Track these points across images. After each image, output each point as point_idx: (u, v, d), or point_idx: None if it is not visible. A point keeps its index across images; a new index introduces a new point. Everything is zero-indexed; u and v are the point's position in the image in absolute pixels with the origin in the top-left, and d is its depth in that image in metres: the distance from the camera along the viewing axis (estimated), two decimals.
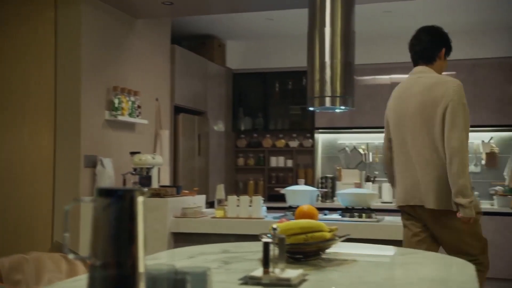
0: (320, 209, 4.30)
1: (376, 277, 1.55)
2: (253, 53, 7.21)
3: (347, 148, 7.00)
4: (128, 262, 0.96)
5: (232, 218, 4.07)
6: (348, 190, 4.15)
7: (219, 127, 6.71)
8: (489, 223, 5.98)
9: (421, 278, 1.53)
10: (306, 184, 6.72)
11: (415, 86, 2.98)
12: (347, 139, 7.03)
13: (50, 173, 4.35)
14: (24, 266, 1.95)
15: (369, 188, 6.34)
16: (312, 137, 6.99)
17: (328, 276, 1.58)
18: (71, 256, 1.02)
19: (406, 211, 3.10)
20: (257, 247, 2.09)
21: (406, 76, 6.08)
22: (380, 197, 6.51)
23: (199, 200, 4.54)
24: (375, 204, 5.02)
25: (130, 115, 4.80)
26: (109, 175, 4.48)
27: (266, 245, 1.42)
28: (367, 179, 6.69)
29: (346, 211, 4.04)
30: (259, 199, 4.10)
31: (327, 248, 1.81)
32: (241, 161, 7.20)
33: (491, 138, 6.57)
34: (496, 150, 6.58)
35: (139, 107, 4.93)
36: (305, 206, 1.97)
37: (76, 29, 4.38)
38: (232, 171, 7.17)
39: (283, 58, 7.05)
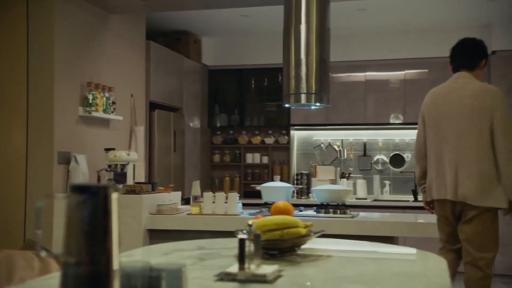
0: (296, 205, 4.31)
1: (350, 272, 1.57)
2: (229, 49, 7.20)
3: (322, 145, 7.04)
4: (102, 260, 0.95)
5: (208, 214, 4.06)
6: (323, 186, 4.18)
7: (195, 123, 6.69)
8: None
9: (394, 272, 1.55)
10: (281, 180, 6.75)
11: (461, 90, 3.27)
12: (322, 136, 7.08)
13: (23, 170, 4.29)
14: None
15: (343, 185, 6.40)
16: (288, 134, 7.01)
17: (303, 272, 1.59)
18: (43, 254, 1.01)
19: (441, 204, 3.34)
20: (233, 243, 2.10)
21: (380, 73, 6.21)
22: (354, 193, 6.57)
23: (175, 196, 4.52)
24: (350, 200, 5.08)
25: (104, 111, 4.75)
26: (83, 172, 4.43)
27: (241, 242, 1.43)
28: (342, 176, 6.74)
29: (321, 207, 4.06)
30: (234, 196, 4.10)
31: (302, 244, 1.82)
32: (216, 157, 7.19)
33: None
34: None
35: (113, 103, 4.88)
36: (281, 203, 1.98)
37: (49, 23, 4.32)
38: (207, 167, 7.15)
39: (258, 55, 7.05)
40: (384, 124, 6.70)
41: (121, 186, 4.27)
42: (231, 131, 7.20)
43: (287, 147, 7.02)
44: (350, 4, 5.60)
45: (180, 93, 6.35)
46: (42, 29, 4.32)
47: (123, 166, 4.37)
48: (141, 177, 5.10)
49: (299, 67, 4.25)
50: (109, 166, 4.43)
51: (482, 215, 3.15)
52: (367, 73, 6.75)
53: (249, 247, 1.48)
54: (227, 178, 7.04)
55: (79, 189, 0.96)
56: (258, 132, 7.13)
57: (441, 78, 6.49)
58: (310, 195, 6.58)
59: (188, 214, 4.12)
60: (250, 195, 6.53)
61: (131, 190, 4.15)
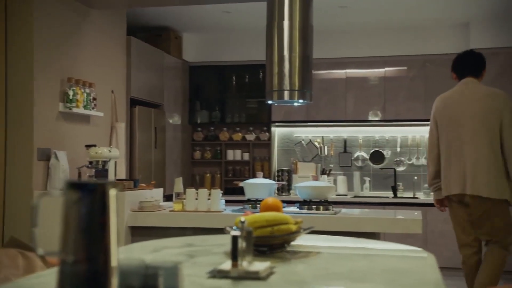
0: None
1: (341, 269, 1.57)
2: (210, 46, 7.17)
3: (303, 142, 7.06)
4: (100, 257, 0.94)
5: (191, 211, 4.04)
6: (306, 183, 4.18)
7: (174, 120, 6.65)
8: (439, 214, 6.13)
9: (386, 269, 1.56)
10: (263, 177, 6.76)
11: (472, 93, 3.65)
12: (303, 133, 7.10)
13: (1, 167, 4.22)
14: None
15: (324, 181, 6.42)
16: (269, 131, 7.02)
17: (294, 269, 1.59)
18: (40, 252, 0.99)
19: (456, 199, 3.71)
20: (221, 240, 2.09)
21: (361, 70, 6.25)
22: (335, 189, 6.60)
23: (157, 193, 4.50)
24: (330, 196, 5.10)
25: (85, 107, 4.70)
26: (63, 169, 4.38)
27: (234, 238, 1.42)
28: (323, 172, 6.77)
29: (303, 203, 4.07)
30: (217, 192, 4.09)
31: (292, 241, 1.82)
32: (197, 154, 7.16)
33: None
34: None
35: (94, 99, 4.83)
36: (270, 199, 1.97)
37: (28, 18, 4.25)
38: (188, 164, 7.13)
39: (240, 52, 7.04)
40: (364, 121, 6.75)
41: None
42: (212, 128, 7.18)
43: (268, 144, 7.03)
44: (331, 1, 5.62)
45: (161, 89, 6.30)
46: (21, 24, 4.25)
47: (105, 162, 4.33)
48: (122, 174, 5.06)
49: (282, 64, 4.25)
50: (90, 162, 4.38)
51: (497, 206, 3.59)
52: (348, 70, 6.79)
53: (241, 244, 1.47)
54: (208, 174, 7.03)
55: (76, 186, 0.95)
56: (239, 128, 7.12)
57: (421, 75, 6.59)
58: (291, 191, 6.61)
59: (170, 211, 4.09)
60: (231, 191, 6.53)
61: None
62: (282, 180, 6.66)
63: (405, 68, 6.67)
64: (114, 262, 0.95)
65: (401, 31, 6.72)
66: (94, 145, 4.44)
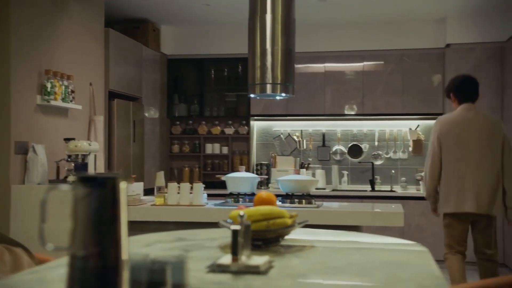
0: None
1: (338, 263, 1.57)
2: (189, 38, 7.11)
3: (281, 135, 7.07)
4: (111, 252, 0.92)
5: (173, 205, 4.01)
6: (289, 176, 4.19)
7: (151, 113, 6.57)
8: (416, 207, 6.24)
9: (383, 262, 1.57)
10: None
11: (477, 120, 3.96)
12: (281, 127, 7.11)
13: None
14: None
15: (303, 175, 6.44)
16: (248, 124, 7.00)
17: (291, 263, 1.58)
18: (49, 247, 0.96)
19: (458, 216, 3.98)
20: (212, 234, 2.07)
21: (339, 64, 6.33)
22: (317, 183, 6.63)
23: (137, 187, 4.44)
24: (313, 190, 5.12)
25: (63, 100, 4.61)
26: (41, 163, 4.30)
27: (235, 233, 1.41)
28: (301, 166, 6.79)
29: (286, 197, 4.07)
30: (200, 186, 4.06)
31: (286, 235, 1.82)
32: (176, 148, 7.11)
33: (418, 126, 6.83)
34: (422, 137, 6.84)
35: (72, 91, 4.74)
36: (264, 193, 1.96)
37: (5, 8, 4.15)
38: (166, 158, 7.07)
39: (219, 45, 7.00)
40: (342, 115, 6.78)
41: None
42: (190, 121, 7.13)
43: (247, 138, 7.01)
44: None
45: (139, 82, 6.23)
46: None
47: (84, 156, 4.27)
48: (100, 168, 4.98)
49: (264, 57, 4.25)
50: (69, 156, 4.31)
51: (492, 222, 3.98)
52: (326, 64, 6.81)
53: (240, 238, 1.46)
54: (186, 168, 6.98)
55: (86, 180, 0.92)
56: (218, 122, 7.09)
57: (398, 70, 6.65)
58: (270, 185, 6.61)
59: (152, 205, 4.05)
60: (210, 185, 6.47)
61: None
62: (261, 174, 6.66)
63: (383, 62, 6.72)
64: (125, 256, 0.93)
65: (379, 25, 6.75)
66: (73, 139, 4.37)
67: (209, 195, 4.40)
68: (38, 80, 4.43)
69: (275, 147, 7.07)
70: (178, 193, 4.03)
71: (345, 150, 6.99)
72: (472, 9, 6.25)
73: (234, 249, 1.41)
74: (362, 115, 6.76)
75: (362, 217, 3.79)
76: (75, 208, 0.92)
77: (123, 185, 0.94)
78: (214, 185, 5.85)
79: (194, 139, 7.12)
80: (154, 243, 1.86)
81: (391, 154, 6.88)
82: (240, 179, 4.12)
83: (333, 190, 6.67)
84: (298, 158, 6.85)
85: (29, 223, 4.02)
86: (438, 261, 4.16)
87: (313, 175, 6.69)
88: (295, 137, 7.04)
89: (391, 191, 6.64)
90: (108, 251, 0.91)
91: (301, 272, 1.48)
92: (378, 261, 1.58)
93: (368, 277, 1.39)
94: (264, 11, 4.24)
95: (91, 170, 4.29)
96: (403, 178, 6.77)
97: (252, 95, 4.36)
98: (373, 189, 6.68)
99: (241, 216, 1.47)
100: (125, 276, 0.93)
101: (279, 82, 4.23)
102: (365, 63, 6.74)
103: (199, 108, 7.08)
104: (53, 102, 4.46)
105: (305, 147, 7.01)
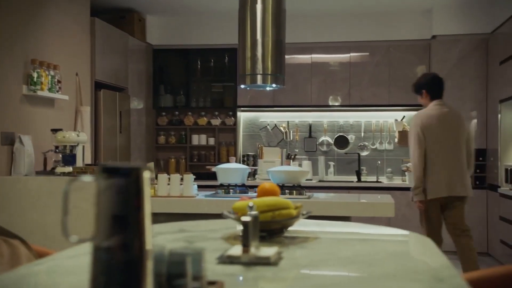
0: (251, 187, 4.32)
1: (346, 253, 1.57)
2: (175, 29, 7.04)
3: (268, 126, 7.06)
4: (136, 243, 0.90)
5: (163, 196, 3.98)
6: (280, 167, 4.18)
7: (135, 104, 6.49)
8: (401, 198, 6.28)
9: (390, 253, 1.57)
10: (228, 162, 6.72)
11: (450, 114, 4.34)
12: (268, 118, 7.09)
13: None
14: None
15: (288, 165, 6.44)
16: (234, 115, 6.97)
17: (299, 254, 1.57)
18: (73, 239, 0.94)
19: (438, 201, 4.28)
20: (212, 225, 2.06)
21: (326, 56, 6.40)
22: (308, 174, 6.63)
23: None
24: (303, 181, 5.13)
25: (50, 90, 4.54)
26: (28, 153, 4.23)
27: (245, 224, 1.39)
28: (288, 157, 6.79)
29: None
30: (190, 177, 4.03)
31: (290, 226, 1.81)
32: (162, 139, 7.06)
33: (404, 117, 6.87)
34: (408, 128, 6.87)
35: (59, 82, 4.67)
36: (267, 184, 1.95)
37: None
38: (152, 149, 7.02)
39: (205, 35, 6.95)
40: (329, 106, 6.79)
41: (71, 168, 4.12)
42: (176, 112, 7.08)
43: (233, 129, 6.99)
44: None
45: (125, 73, 6.16)
46: None
47: (72, 147, 4.21)
48: (87, 159, 4.92)
49: (255, 48, 4.22)
50: (56, 147, 4.25)
51: (465, 201, 4.35)
52: (313, 55, 6.80)
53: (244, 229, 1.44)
54: (172, 159, 6.94)
55: (109, 170, 0.90)
56: (204, 113, 7.05)
57: (385, 61, 6.67)
58: (256, 176, 6.60)
59: None
60: (197, 177, 6.44)
61: (83, 172, 4.01)
62: (248, 165, 6.64)
63: (370, 53, 6.74)
64: (149, 247, 0.91)
65: (366, 17, 6.76)
66: (60, 130, 4.31)
67: (198, 187, 4.38)
68: (24, 70, 4.35)
69: (262, 138, 7.06)
70: (168, 184, 4.00)
71: (332, 141, 7.01)
72: (458, 1, 6.28)
73: (245, 241, 1.40)
74: (348, 106, 6.77)
75: (353, 207, 3.80)
76: (98, 199, 0.90)
77: (146, 174, 0.92)
78: (201, 176, 5.81)
79: (180, 130, 7.07)
80: (156, 234, 1.84)
81: (377, 145, 6.91)
82: (231, 170, 4.10)
83: (320, 181, 6.69)
84: (285, 149, 6.85)
85: (16, 215, 3.96)
86: None
87: (300, 166, 6.68)
88: (281, 128, 7.03)
89: (377, 181, 6.68)
90: (132, 242, 0.89)
91: (311, 263, 1.47)
92: (385, 252, 1.58)
93: (379, 268, 1.39)
94: (254, 1, 4.21)
95: (79, 162, 4.24)
96: (389, 169, 6.81)
97: (242, 86, 4.34)
98: (359, 180, 6.71)
99: (251, 207, 1.46)
100: (150, 267, 0.91)
101: (269, 73, 4.21)
102: (352, 54, 6.75)
103: (185, 99, 7.03)
104: (39, 92, 4.39)
105: (291, 138, 7.01)
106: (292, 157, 6.80)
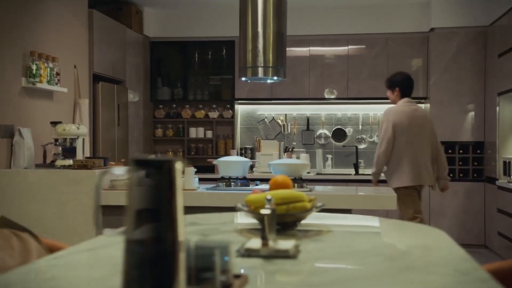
0: (252, 180, 4.31)
1: (363, 246, 1.56)
2: (172, 21, 7.00)
3: (266, 119, 7.04)
4: (169, 235, 0.88)
5: None
6: (281, 160, 4.17)
7: (130, 97, 6.45)
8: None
9: (408, 245, 1.56)
10: (226, 155, 6.71)
11: (418, 111, 4.67)
12: (266, 110, 7.08)
13: None
14: None
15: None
16: (232, 108, 6.95)
17: (316, 247, 1.57)
18: (108, 233, 0.92)
19: (413, 188, 4.59)
20: (223, 218, 2.05)
21: (324, 48, 6.48)
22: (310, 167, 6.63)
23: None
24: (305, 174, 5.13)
25: (48, 82, 4.50)
26: (28, 146, 4.20)
27: (265, 217, 1.38)
28: (286, 150, 6.78)
29: None
30: (191, 170, 4.01)
31: (304, 219, 1.80)
32: (159, 132, 7.03)
33: None
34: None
35: (57, 74, 4.63)
36: (279, 177, 1.94)
37: None
38: (150, 142, 6.99)
39: (202, 28, 6.91)
40: (327, 99, 6.78)
41: (71, 161, 4.09)
42: (174, 105, 7.05)
43: (231, 122, 6.97)
44: None
45: (123, 65, 6.12)
46: None
47: (73, 140, 4.18)
48: (86, 152, 4.89)
49: (256, 40, 4.20)
50: (56, 140, 4.22)
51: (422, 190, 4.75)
52: (311, 48, 6.79)
53: (267, 221, 1.43)
54: (170, 152, 6.92)
55: (142, 163, 0.89)
56: (202, 106, 7.02)
57: (383, 54, 6.67)
58: (254, 169, 6.59)
59: None
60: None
61: (83, 165, 3.98)
62: (246, 158, 6.62)
63: (368, 46, 6.73)
64: (182, 238, 0.90)
65: (364, 9, 6.74)
66: (60, 122, 4.28)
67: (199, 180, 4.36)
68: (23, 62, 4.31)
69: (260, 131, 7.05)
70: None
71: (329, 134, 7.00)
72: None
73: (265, 234, 1.39)
74: (346, 99, 6.77)
75: (355, 200, 3.80)
76: (130, 192, 0.89)
77: (178, 165, 0.90)
78: (199, 169, 5.79)
79: (178, 123, 7.05)
80: None
81: (374, 138, 6.92)
82: (232, 163, 4.09)
83: (317, 174, 6.69)
84: (283, 142, 6.85)
85: (16, 208, 3.93)
86: None
87: (297, 159, 6.68)
88: (279, 121, 7.02)
89: None
90: (165, 234, 0.88)
91: (330, 255, 1.46)
92: (402, 245, 1.58)
93: (399, 261, 1.38)
94: None
95: (79, 155, 4.21)
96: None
97: (243, 79, 4.32)
98: (357, 173, 6.71)
99: (269, 200, 1.45)
100: (183, 259, 0.90)
101: (271, 65, 4.20)
102: (350, 47, 6.73)
103: (183, 91, 7.00)
104: (38, 85, 4.35)
105: (289, 131, 7.01)
106: (290, 150, 6.79)
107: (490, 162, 6.12)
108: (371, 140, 6.94)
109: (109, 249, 1.52)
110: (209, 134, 6.96)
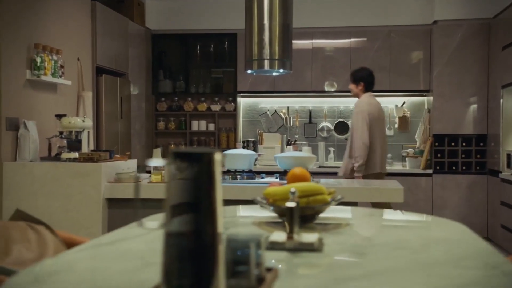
0: (257, 173, 4.31)
1: (385, 239, 1.55)
2: (173, 14, 6.96)
3: (268, 112, 7.03)
4: (208, 228, 0.87)
5: None
6: (287, 153, 4.17)
7: (136, 89, 6.43)
8: (402, 183, 6.26)
9: (433, 240, 1.56)
10: (228, 148, 6.69)
11: (379, 103, 5.02)
12: (268, 103, 7.06)
13: None
14: None
15: (289, 151, 6.42)
16: (234, 101, 6.93)
17: (337, 240, 1.56)
18: (148, 226, 0.91)
19: (375, 175, 4.84)
20: (237, 211, 2.04)
21: (327, 41, 6.54)
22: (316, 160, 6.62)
23: (131, 164, 4.37)
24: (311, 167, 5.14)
25: (53, 75, 4.48)
26: (33, 139, 4.18)
27: (291, 210, 1.37)
28: (288, 143, 6.77)
29: (284, 174, 4.05)
30: None
31: (322, 212, 1.79)
32: (161, 125, 7.01)
33: (404, 102, 6.87)
34: (408, 114, 6.90)
35: (62, 66, 4.61)
36: (297, 169, 1.93)
37: None
38: (152, 135, 6.97)
39: (204, 20, 6.87)
40: (329, 92, 6.76)
41: (76, 154, 4.08)
42: (176, 98, 7.02)
43: (233, 114, 6.95)
44: None
45: (126, 58, 6.09)
46: None
47: (78, 133, 4.16)
48: (90, 144, 4.88)
49: (262, 33, 4.18)
50: (61, 133, 4.20)
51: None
52: (314, 41, 6.76)
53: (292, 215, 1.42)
54: (172, 145, 6.90)
55: (181, 156, 0.87)
56: (204, 99, 7.00)
57: (386, 46, 6.65)
58: (256, 162, 6.57)
59: (149, 182, 3.98)
60: None
61: (89, 158, 3.97)
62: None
63: (371, 39, 6.71)
64: (221, 230, 0.89)
65: (367, 1, 6.72)
66: (65, 115, 4.26)
67: None
68: (27, 55, 4.28)
69: (262, 124, 7.03)
70: None
71: (332, 127, 6.99)
72: None
73: (290, 227, 1.38)
74: (349, 91, 6.73)
75: (362, 193, 3.80)
76: (169, 185, 0.88)
77: (217, 156, 0.89)
78: None
79: (180, 116, 7.02)
80: None
81: None
82: (238, 156, 4.08)
83: (320, 166, 6.68)
84: (285, 135, 6.83)
85: (21, 201, 3.92)
86: None
87: (300, 152, 6.67)
88: (281, 114, 7.01)
89: None
90: (205, 227, 0.87)
91: (353, 249, 1.46)
92: (425, 238, 1.57)
93: (425, 254, 1.38)
94: None
95: (85, 148, 4.19)
96: (389, 155, 6.81)
97: (249, 71, 4.30)
98: None
99: (293, 193, 1.44)
100: (222, 252, 0.89)
101: (277, 58, 4.18)
102: (353, 39, 6.71)
103: (185, 84, 6.98)
104: (43, 77, 4.33)
105: (291, 124, 6.99)
106: (292, 143, 6.78)
107: (493, 154, 6.12)
108: None
109: (130, 242, 1.51)
110: (211, 127, 6.94)
